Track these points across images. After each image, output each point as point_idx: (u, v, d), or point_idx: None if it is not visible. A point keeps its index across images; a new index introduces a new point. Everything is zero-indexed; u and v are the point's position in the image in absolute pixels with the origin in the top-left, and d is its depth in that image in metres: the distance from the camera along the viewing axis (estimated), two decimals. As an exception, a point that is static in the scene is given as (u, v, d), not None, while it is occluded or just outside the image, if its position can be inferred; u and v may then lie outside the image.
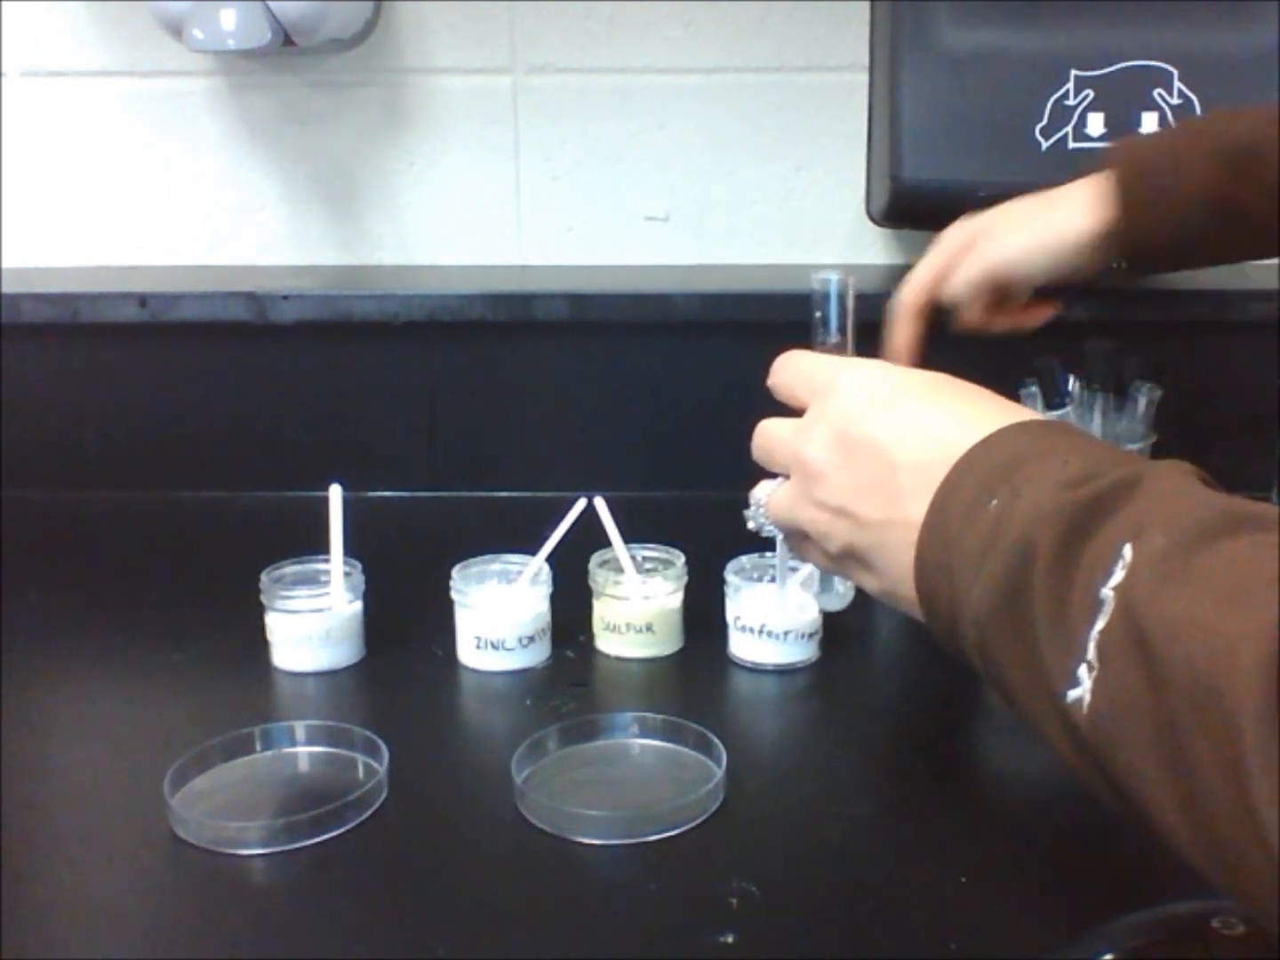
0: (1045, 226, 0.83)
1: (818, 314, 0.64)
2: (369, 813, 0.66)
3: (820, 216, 1.19)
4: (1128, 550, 0.39)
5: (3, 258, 1.21)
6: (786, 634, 0.82)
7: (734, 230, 1.20)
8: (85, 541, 1.08)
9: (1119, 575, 0.39)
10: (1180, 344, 1.08)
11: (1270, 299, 1.07)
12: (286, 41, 1.04)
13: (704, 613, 0.86)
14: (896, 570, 0.51)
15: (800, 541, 0.58)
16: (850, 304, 0.63)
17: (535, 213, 1.20)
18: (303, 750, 0.73)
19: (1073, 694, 0.40)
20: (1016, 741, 0.78)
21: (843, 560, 0.55)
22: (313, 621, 0.82)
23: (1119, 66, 0.98)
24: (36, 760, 0.73)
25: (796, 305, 1.10)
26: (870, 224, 1.15)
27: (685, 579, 0.86)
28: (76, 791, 0.70)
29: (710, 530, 1.04)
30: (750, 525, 0.62)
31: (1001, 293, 0.87)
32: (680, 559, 0.86)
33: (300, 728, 0.73)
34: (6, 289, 1.11)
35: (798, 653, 0.83)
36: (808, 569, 0.83)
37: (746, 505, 0.62)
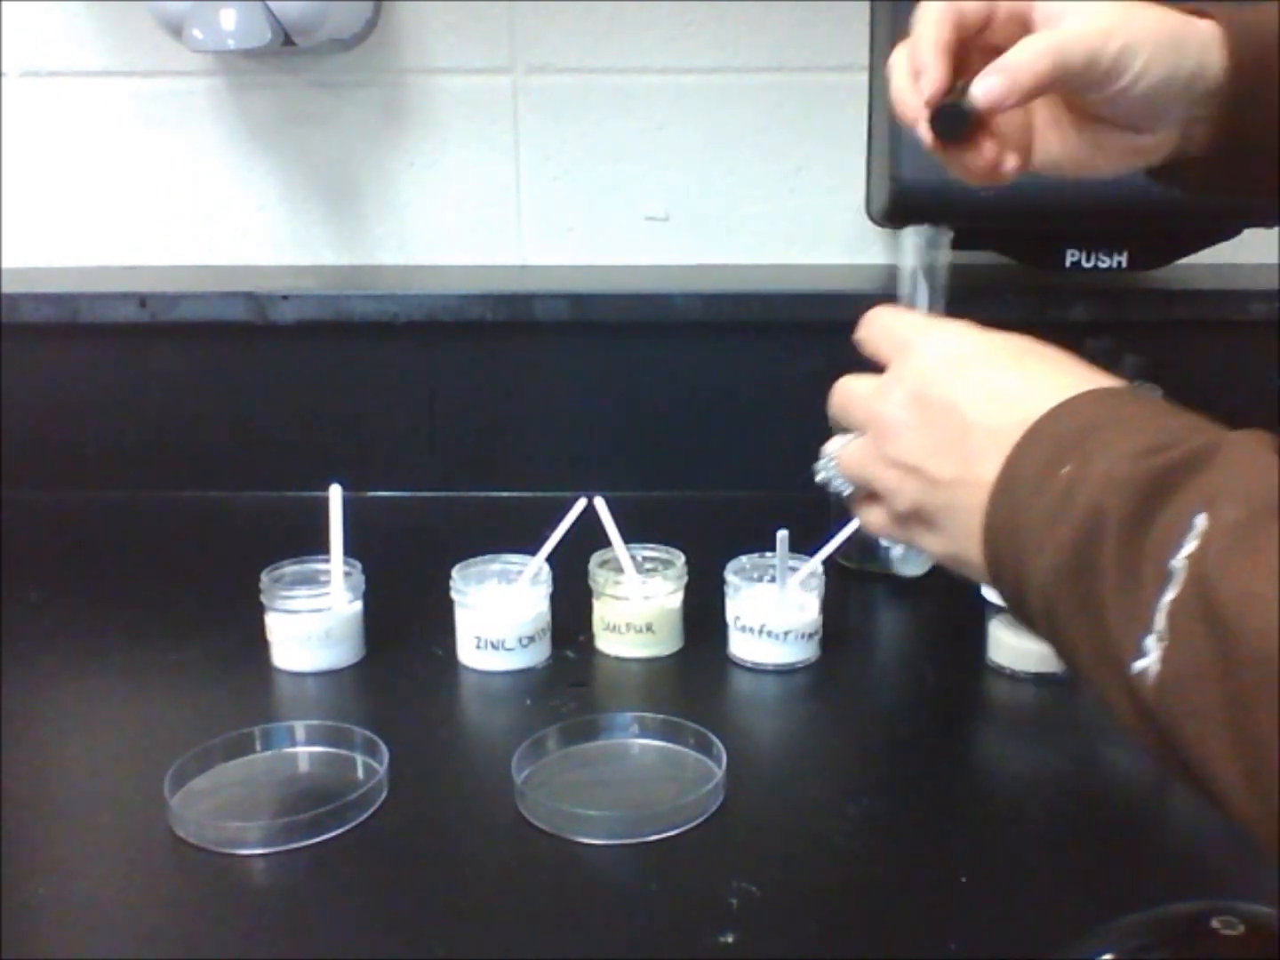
0: (1161, 14, 0.61)
1: (908, 270, 0.63)
2: (369, 813, 0.66)
3: (820, 216, 1.19)
4: (1200, 520, 0.39)
5: (3, 258, 1.21)
6: (786, 634, 0.82)
7: (734, 230, 1.20)
8: (85, 541, 1.08)
9: (1191, 546, 0.39)
10: (1180, 344, 1.08)
11: (1270, 299, 1.07)
12: (286, 41, 1.04)
13: (704, 613, 0.86)
14: (963, 533, 0.51)
15: (865, 501, 0.58)
16: (943, 262, 0.62)
17: (535, 213, 1.20)
18: (303, 750, 0.73)
19: (1139, 665, 0.39)
20: (1016, 741, 0.78)
21: (908, 521, 0.55)
22: (313, 621, 0.82)
23: (1119, 66, 0.98)
24: (37, 760, 0.73)
25: (797, 305, 1.11)
26: (870, 224, 1.15)
27: (685, 579, 0.86)
28: (76, 791, 0.70)
29: (710, 530, 1.05)
30: (819, 478, 0.61)
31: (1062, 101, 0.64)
32: (680, 559, 0.86)
33: (300, 728, 0.73)
34: (6, 289, 1.11)
35: (798, 653, 0.83)
36: (808, 569, 0.83)
37: (817, 461, 0.61)
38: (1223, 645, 0.37)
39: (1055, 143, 0.64)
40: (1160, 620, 0.39)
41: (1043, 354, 0.53)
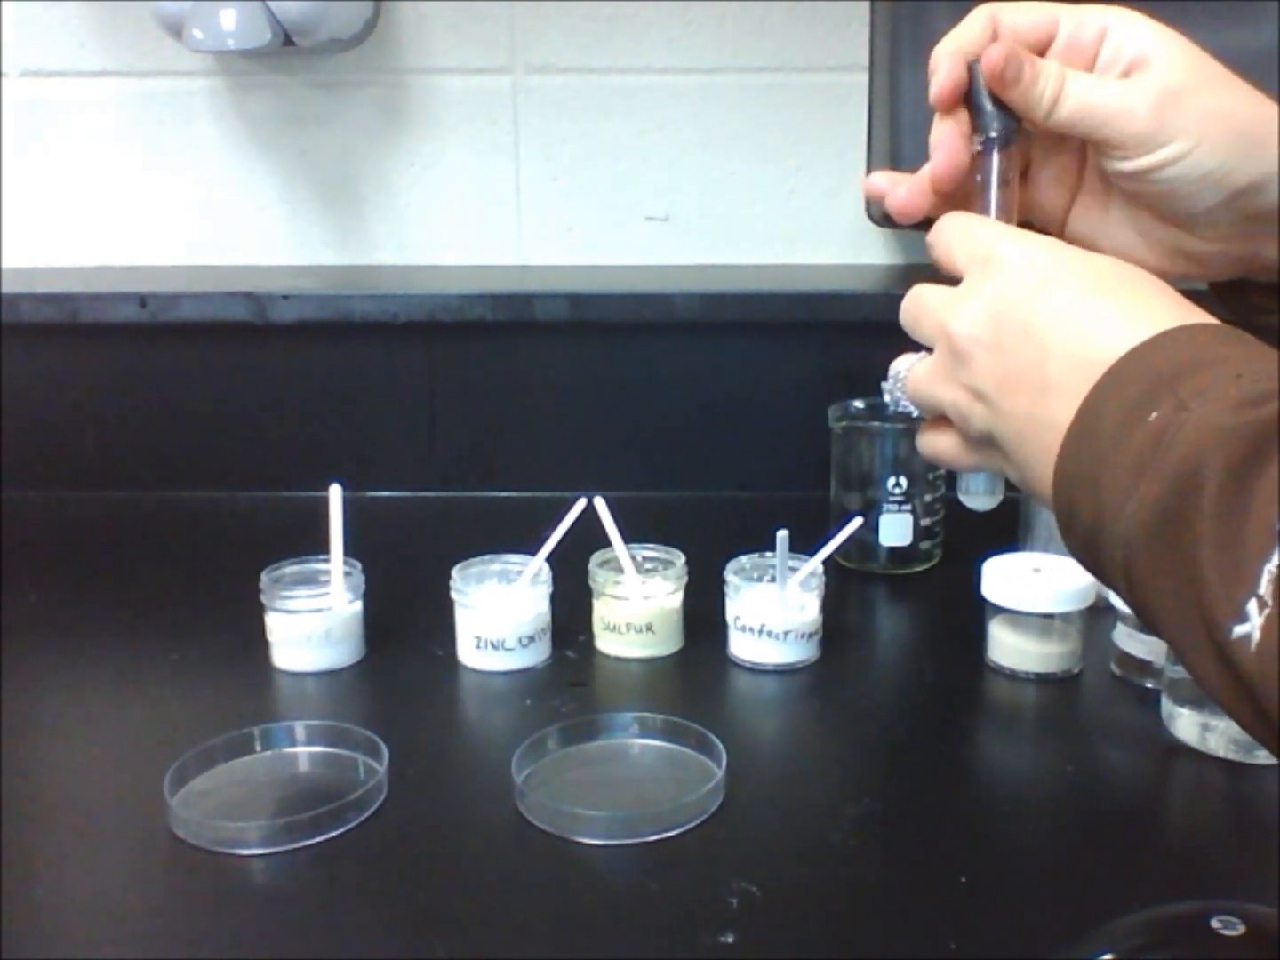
0: (1245, 102, 0.54)
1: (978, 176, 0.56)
2: (369, 813, 0.66)
3: (820, 216, 1.19)
4: None
5: (3, 258, 1.21)
6: (786, 634, 0.82)
7: (734, 230, 1.20)
8: (85, 541, 1.08)
9: None
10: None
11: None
12: (286, 41, 1.04)
13: (704, 613, 0.86)
14: (1034, 469, 0.48)
15: (935, 425, 0.55)
16: (1014, 168, 0.56)
17: (535, 213, 1.20)
18: (303, 750, 0.73)
19: (1239, 630, 0.37)
20: (1016, 741, 0.78)
21: (982, 446, 0.52)
22: (313, 621, 0.82)
23: (1119, 66, 0.98)
24: (36, 760, 0.73)
25: (797, 305, 1.11)
26: (870, 224, 1.15)
27: (685, 579, 0.86)
28: (76, 791, 0.70)
29: (710, 530, 1.05)
30: (886, 398, 0.58)
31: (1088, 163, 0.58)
32: (680, 559, 0.86)
33: (300, 728, 0.73)
34: (6, 289, 1.11)
35: (798, 653, 0.83)
36: (808, 569, 0.83)
37: (884, 385, 0.57)
38: None
39: (1095, 215, 0.58)
40: (1264, 584, 0.37)
41: (1136, 280, 0.49)
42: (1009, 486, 0.56)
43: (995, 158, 0.56)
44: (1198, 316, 0.46)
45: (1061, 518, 0.47)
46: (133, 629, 0.90)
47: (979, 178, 0.57)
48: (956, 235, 0.54)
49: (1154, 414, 0.42)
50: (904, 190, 0.58)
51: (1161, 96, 0.52)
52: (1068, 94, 0.54)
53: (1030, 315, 0.48)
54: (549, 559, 0.84)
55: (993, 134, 0.56)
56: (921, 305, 0.54)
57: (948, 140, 0.56)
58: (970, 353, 0.50)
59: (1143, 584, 0.42)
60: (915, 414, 0.57)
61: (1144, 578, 0.42)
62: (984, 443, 0.51)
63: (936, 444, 0.55)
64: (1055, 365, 0.47)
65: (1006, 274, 0.50)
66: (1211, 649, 0.39)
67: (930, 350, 0.54)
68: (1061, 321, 0.47)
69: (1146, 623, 0.44)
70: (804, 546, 0.84)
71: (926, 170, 0.57)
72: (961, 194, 0.57)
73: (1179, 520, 0.40)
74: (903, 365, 0.56)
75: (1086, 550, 0.46)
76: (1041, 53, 0.55)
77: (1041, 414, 0.47)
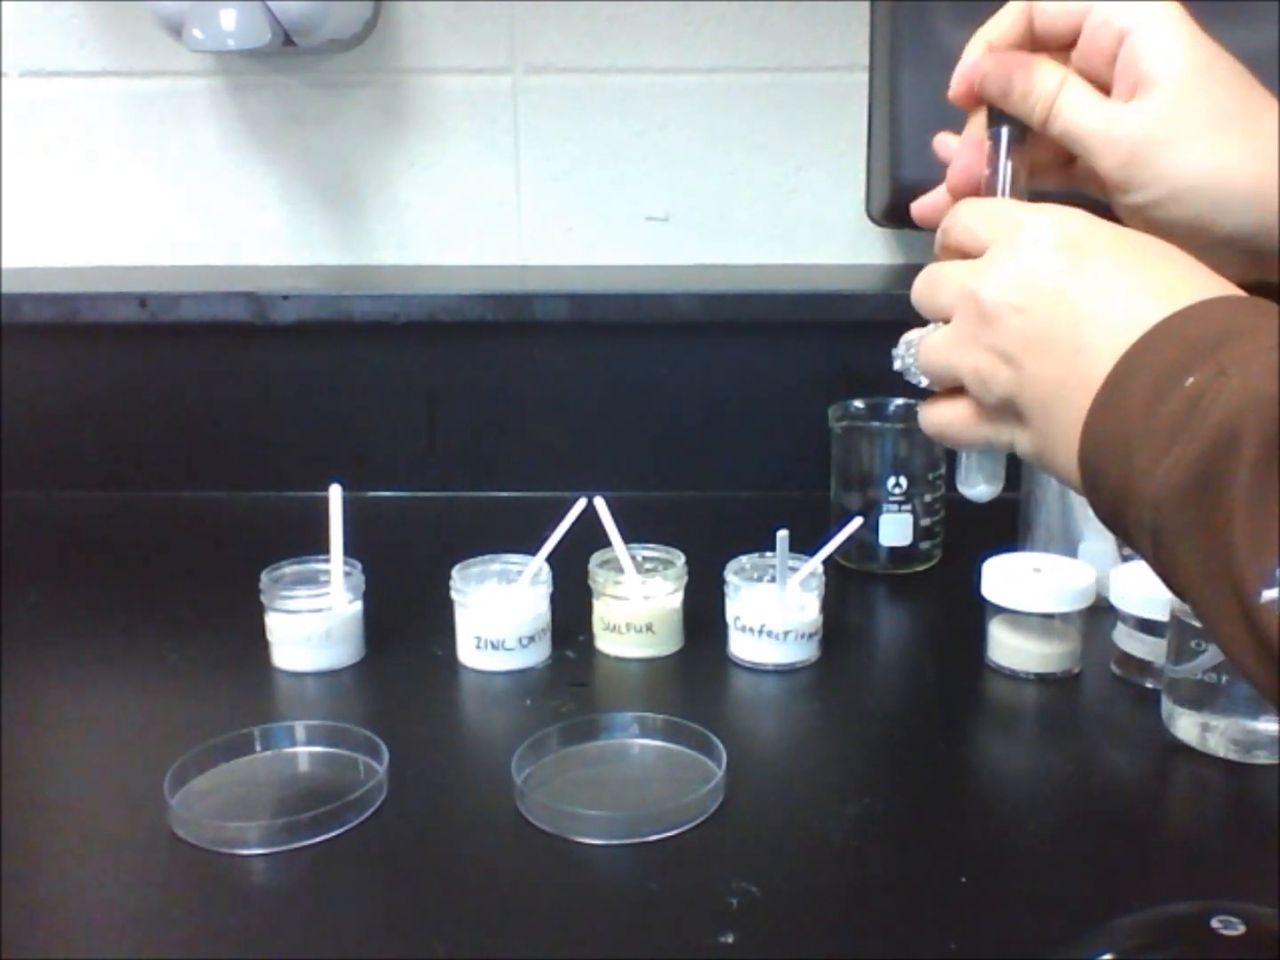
0: (1237, 142, 0.53)
1: (989, 166, 0.57)
2: (369, 813, 0.66)
3: (820, 216, 1.19)
4: None
5: (3, 258, 1.21)
6: (786, 634, 0.82)
7: (734, 230, 1.20)
8: (85, 541, 1.08)
9: None
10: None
11: (1269, 296, 1.07)
12: (286, 41, 1.05)
13: (704, 613, 0.86)
14: (1058, 434, 0.47)
15: (946, 396, 0.54)
16: (1022, 160, 0.56)
17: (535, 213, 1.20)
18: (303, 750, 0.73)
19: (1267, 595, 0.37)
20: (1016, 741, 0.78)
21: (997, 414, 0.51)
22: (313, 621, 0.82)
23: (1119, 66, 0.98)
24: (36, 760, 0.73)
25: (797, 305, 1.11)
26: (870, 224, 1.15)
27: (685, 579, 0.86)
28: (76, 791, 0.70)
29: (710, 530, 1.05)
30: (896, 365, 0.56)
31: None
32: (680, 559, 0.86)
33: (300, 728, 0.73)
34: (6, 289, 1.11)
35: (798, 653, 0.83)
36: (808, 569, 0.83)
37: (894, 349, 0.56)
38: None
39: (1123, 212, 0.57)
40: None
41: (1171, 252, 0.49)
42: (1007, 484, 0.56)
43: (1005, 154, 0.56)
44: (1228, 288, 0.46)
45: (1086, 479, 0.46)
46: (133, 629, 0.90)
47: (988, 170, 0.57)
48: (979, 213, 0.54)
49: (1191, 379, 0.42)
50: (924, 201, 0.58)
51: (1139, 143, 0.53)
52: (1059, 111, 0.54)
53: (1064, 281, 0.48)
54: (549, 559, 0.84)
55: (1001, 130, 0.56)
56: (940, 276, 0.53)
57: (964, 154, 0.57)
58: (999, 315, 0.49)
59: (1171, 547, 0.42)
60: (923, 383, 0.56)
61: (1172, 540, 0.42)
62: (1001, 410, 0.51)
63: (944, 416, 0.54)
64: (1089, 329, 0.46)
65: (1038, 242, 0.49)
66: (1239, 614, 0.39)
67: (946, 321, 0.53)
68: (1097, 288, 0.47)
69: (1171, 586, 0.44)
70: (804, 546, 0.84)
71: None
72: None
73: (1213, 484, 0.40)
74: (915, 334, 0.55)
75: (1112, 512, 0.45)
76: (1070, 47, 0.55)
77: (1071, 376, 0.47)
